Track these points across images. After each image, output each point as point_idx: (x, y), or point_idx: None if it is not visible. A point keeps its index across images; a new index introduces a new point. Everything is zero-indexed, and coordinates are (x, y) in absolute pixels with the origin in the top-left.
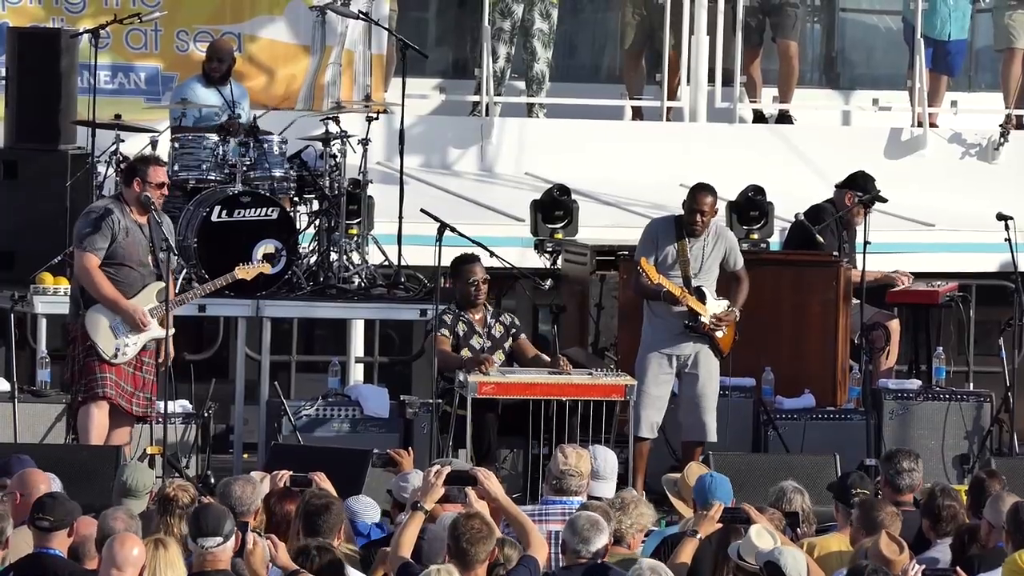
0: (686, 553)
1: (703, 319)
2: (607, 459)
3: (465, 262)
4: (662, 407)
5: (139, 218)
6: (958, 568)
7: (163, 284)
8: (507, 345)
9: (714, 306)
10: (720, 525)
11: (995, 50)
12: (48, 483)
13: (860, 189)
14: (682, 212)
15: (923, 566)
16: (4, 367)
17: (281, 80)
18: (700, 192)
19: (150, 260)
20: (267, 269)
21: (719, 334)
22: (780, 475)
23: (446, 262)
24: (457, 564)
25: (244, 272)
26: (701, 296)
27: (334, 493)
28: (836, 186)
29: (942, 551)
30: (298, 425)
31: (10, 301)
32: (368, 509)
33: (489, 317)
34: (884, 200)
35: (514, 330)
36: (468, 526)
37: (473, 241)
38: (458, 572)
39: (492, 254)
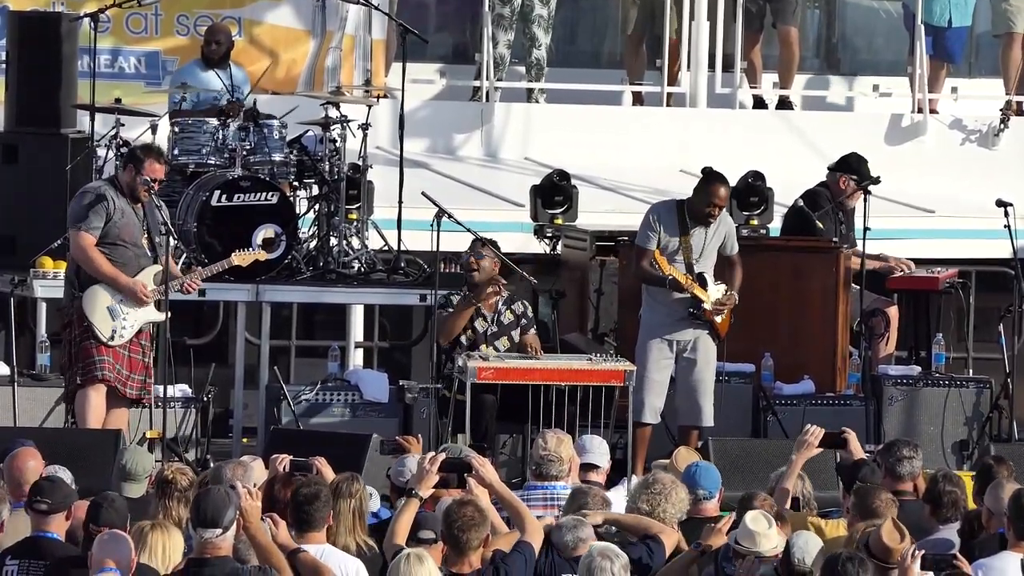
0: (685, 565)
1: (706, 305)
2: (592, 441)
3: (475, 240)
4: (663, 392)
5: (130, 202)
6: (958, 554)
7: (160, 267)
8: (514, 333)
9: (714, 291)
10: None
11: (993, 35)
12: (38, 460)
13: (854, 172)
14: (683, 197)
15: (923, 551)
16: (4, 351)
17: (282, 64)
18: (717, 184)
19: (144, 242)
20: (263, 256)
21: (718, 319)
22: (779, 461)
23: (444, 247)
24: (451, 550)
25: (240, 258)
26: (703, 282)
27: (331, 478)
28: (829, 168)
29: (950, 535)
30: (297, 410)
31: (10, 285)
32: None
33: (500, 303)
34: (879, 182)
35: (524, 321)
36: (460, 513)
37: (467, 228)
38: (428, 556)
39: (484, 242)
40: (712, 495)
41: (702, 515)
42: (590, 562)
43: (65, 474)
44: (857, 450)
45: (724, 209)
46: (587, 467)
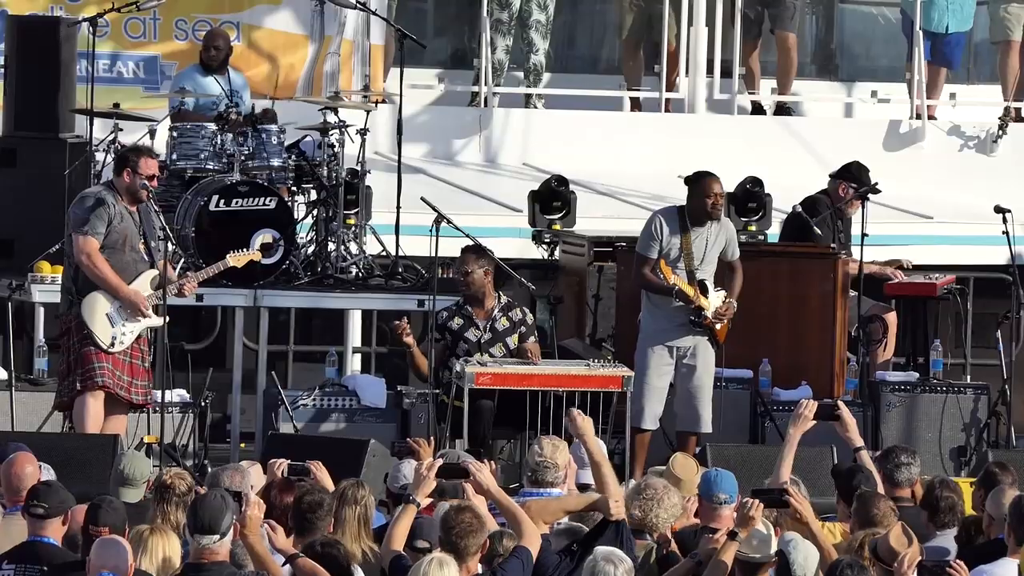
0: (728, 555)
1: (707, 314)
2: None
3: (463, 251)
4: (663, 398)
5: (130, 206)
6: (954, 561)
7: (156, 272)
8: (511, 340)
9: (715, 298)
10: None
11: (991, 42)
12: (35, 465)
13: (854, 180)
14: (683, 203)
15: (921, 557)
16: (1, 356)
17: (281, 69)
18: (707, 179)
19: (141, 247)
20: (258, 256)
21: (718, 326)
22: None
23: (443, 253)
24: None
25: (236, 259)
26: (704, 290)
27: (330, 483)
28: (830, 176)
29: (946, 543)
30: (295, 415)
31: (8, 290)
32: None
33: (496, 310)
34: (878, 191)
35: (523, 328)
36: (459, 520)
37: (465, 234)
38: (451, 561)
39: (475, 249)
40: (732, 499)
41: (718, 523)
42: (594, 566)
43: (48, 473)
44: (850, 422)
45: (723, 212)
46: (582, 487)
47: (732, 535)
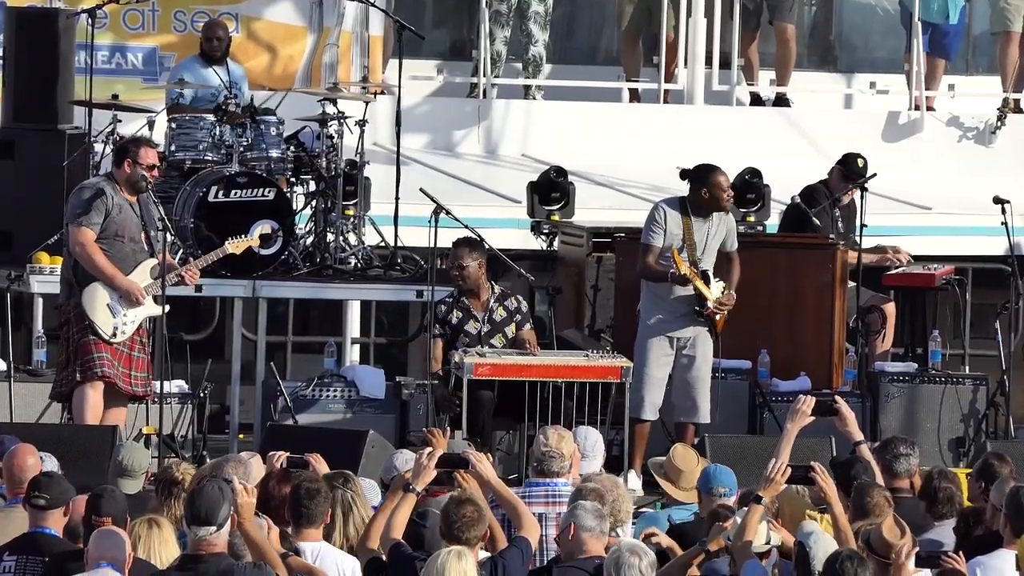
0: (752, 527)
1: (709, 304)
2: (588, 437)
3: (454, 245)
4: (662, 388)
5: (129, 197)
6: (950, 553)
7: (156, 261)
8: (509, 329)
9: (715, 289)
10: (785, 486)
11: (991, 33)
12: (37, 457)
13: (849, 169)
14: (685, 194)
15: (917, 548)
16: (0, 347)
17: (280, 60)
18: (716, 174)
19: (141, 237)
20: (256, 243)
21: (717, 316)
22: None
23: (441, 244)
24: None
25: (234, 246)
26: (706, 279)
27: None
28: (833, 167)
29: (944, 534)
30: (294, 406)
31: (6, 281)
32: (367, 491)
33: (492, 301)
34: (866, 178)
35: (519, 316)
36: (460, 513)
37: (464, 224)
38: (469, 553)
39: (467, 242)
40: (731, 492)
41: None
42: (618, 557)
43: (52, 462)
44: (849, 416)
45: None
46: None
47: (757, 499)
